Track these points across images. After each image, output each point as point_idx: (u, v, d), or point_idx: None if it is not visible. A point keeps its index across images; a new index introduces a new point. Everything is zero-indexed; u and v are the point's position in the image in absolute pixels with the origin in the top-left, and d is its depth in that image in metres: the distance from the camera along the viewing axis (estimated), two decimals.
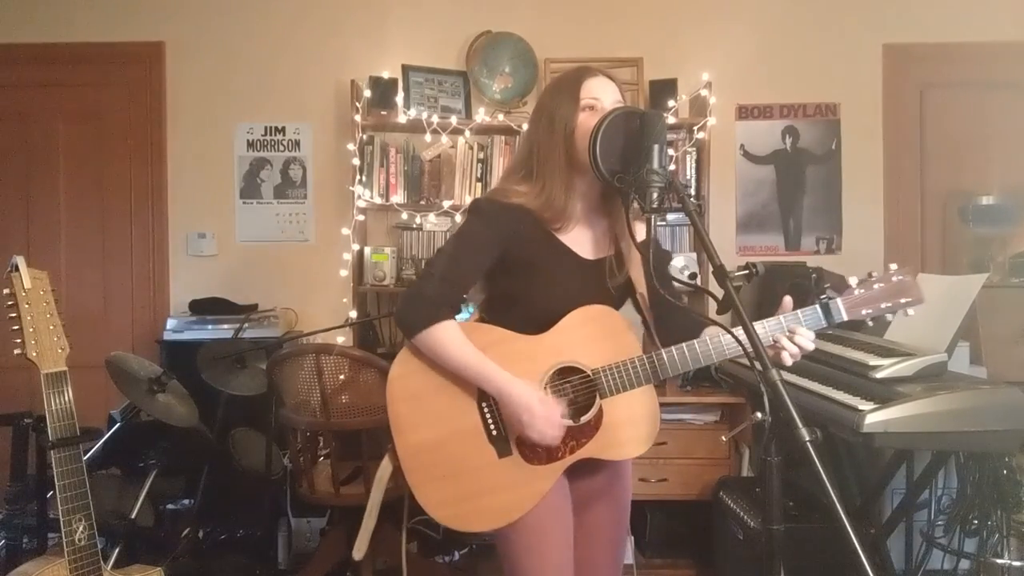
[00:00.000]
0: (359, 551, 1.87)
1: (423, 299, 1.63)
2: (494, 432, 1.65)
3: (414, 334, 1.62)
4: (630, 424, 1.70)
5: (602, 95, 1.67)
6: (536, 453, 1.65)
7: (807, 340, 1.59)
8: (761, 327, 1.60)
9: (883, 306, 1.64)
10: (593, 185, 1.68)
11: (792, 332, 1.59)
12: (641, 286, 1.73)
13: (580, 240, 1.71)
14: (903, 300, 1.65)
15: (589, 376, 1.66)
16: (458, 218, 3.60)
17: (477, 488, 1.65)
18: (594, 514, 1.81)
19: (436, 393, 1.66)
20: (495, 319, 1.70)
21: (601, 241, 1.74)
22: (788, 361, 1.61)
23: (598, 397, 1.66)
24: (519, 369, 1.63)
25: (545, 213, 1.65)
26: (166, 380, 2.81)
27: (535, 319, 1.66)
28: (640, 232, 1.70)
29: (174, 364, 3.21)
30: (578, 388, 1.68)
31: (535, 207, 1.65)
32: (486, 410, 1.66)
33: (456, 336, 1.62)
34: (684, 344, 1.64)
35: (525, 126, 1.87)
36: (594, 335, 1.67)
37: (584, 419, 1.65)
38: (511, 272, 1.67)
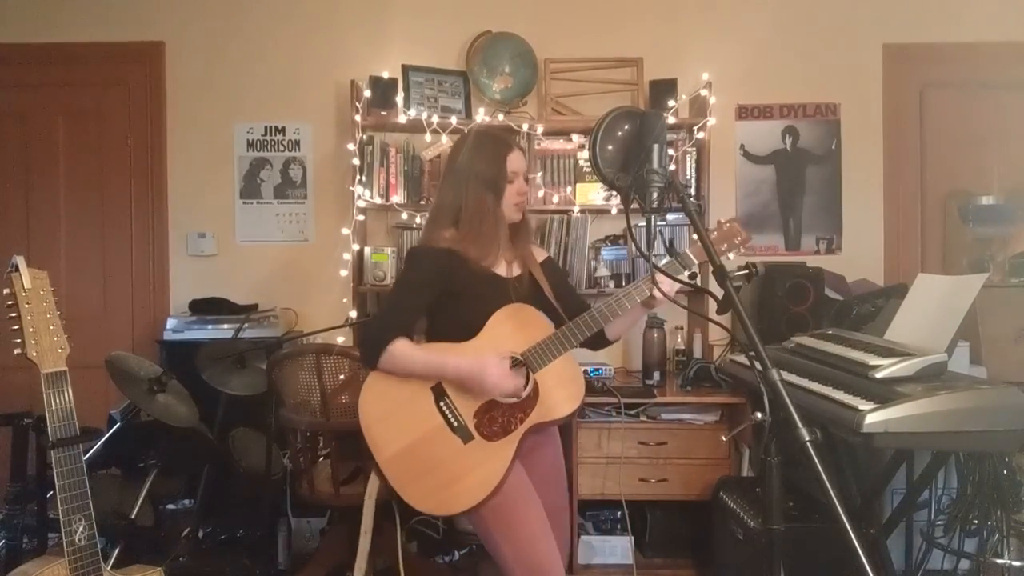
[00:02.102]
0: (360, 571, 2.08)
1: (375, 333, 1.95)
2: (455, 424, 1.95)
3: (376, 361, 1.93)
4: (560, 387, 2.03)
5: (520, 168, 2.08)
6: (494, 431, 1.96)
7: (668, 285, 1.92)
8: (633, 285, 2.03)
9: (723, 247, 2.03)
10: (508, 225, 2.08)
11: (658, 281, 1.91)
12: (551, 296, 2.12)
13: (500, 263, 2.08)
14: (736, 240, 2.05)
15: (520, 359, 1.99)
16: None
17: (453, 473, 1.93)
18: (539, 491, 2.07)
19: (399, 409, 1.96)
20: (435, 335, 2.03)
21: (516, 262, 2.12)
22: (657, 301, 2.02)
23: (530, 373, 1.99)
24: None
25: (473, 254, 1.99)
26: (166, 380, 2.81)
27: (466, 328, 1.99)
28: (539, 255, 2.20)
29: (174, 364, 3.21)
30: (515, 371, 1.98)
31: (462, 250, 1.99)
32: (444, 408, 1.96)
33: (410, 347, 1.94)
34: (584, 314, 2.02)
35: (453, 163, 2.15)
36: (515, 327, 2.01)
37: (524, 393, 1.98)
38: (447, 300, 2.00)
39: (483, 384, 1.93)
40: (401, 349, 1.92)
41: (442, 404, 1.96)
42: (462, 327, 2.00)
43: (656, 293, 1.96)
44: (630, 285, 2.05)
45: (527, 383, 2.00)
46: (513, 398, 1.98)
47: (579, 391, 2.05)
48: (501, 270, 2.08)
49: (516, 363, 1.99)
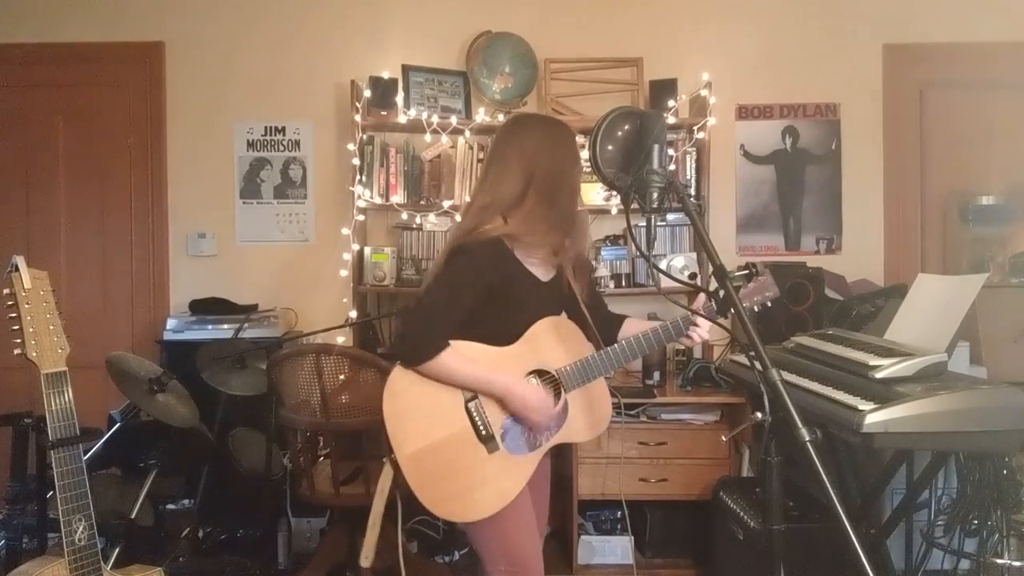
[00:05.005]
0: (367, 559, 2.03)
1: (423, 335, 1.86)
2: (483, 432, 1.89)
3: (422, 364, 1.85)
4: (586, 413, 2.01)
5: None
6: (519, 445, 1.92)
7: (704, 330, 1.96)
8: (673, 321, 1.97)
9: (756, 299, 1.98)
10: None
11: (696, 324, 1.95)
12: (584, 306, 2.06)
13: (537, 265, 1.99)
14: (768, 294, 1.98)
15: (554, 376, 1.95)
16: (458, 217, 3.59)
17: (473, 482, 1.88)
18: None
19: (426, 407, 1.89)
20: (463, 332, 1.90)
21: (548, 263, 2.01)
22: (694, 341, 1.99)
23: (563, 392, 1.96)
24: None
25: (527, 242, 1.92)
26: (166, 380, 2.81)
27: (503, 332, 1.93)
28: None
29: (174, 364, 3.22)
30: (546, 386, 1.96)
31: (511, 240, 1.91)
32: (474, 414, 1.89)
33: (459, 360, 1.87)
34: (624, 340, 1.98)
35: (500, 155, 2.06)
36: (555, 340, 1.98)
37: (555, 410, 1.94)
38: (486, 299, 1.91)
39: (528, 416, 1.89)
40: (448, 362, 1.84)
41: (471, 408, 1.89)
42: (499, 331, 1.93)
43: (695, 337, 1.96)
44: (668, 323, 1.98)
45: (559, 401, 1.96)
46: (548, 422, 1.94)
47: (603, 420, 2.04)
48: (540, 273, 2.00)
49: (550, 379, 1.96)
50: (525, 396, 1.88)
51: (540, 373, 1.97)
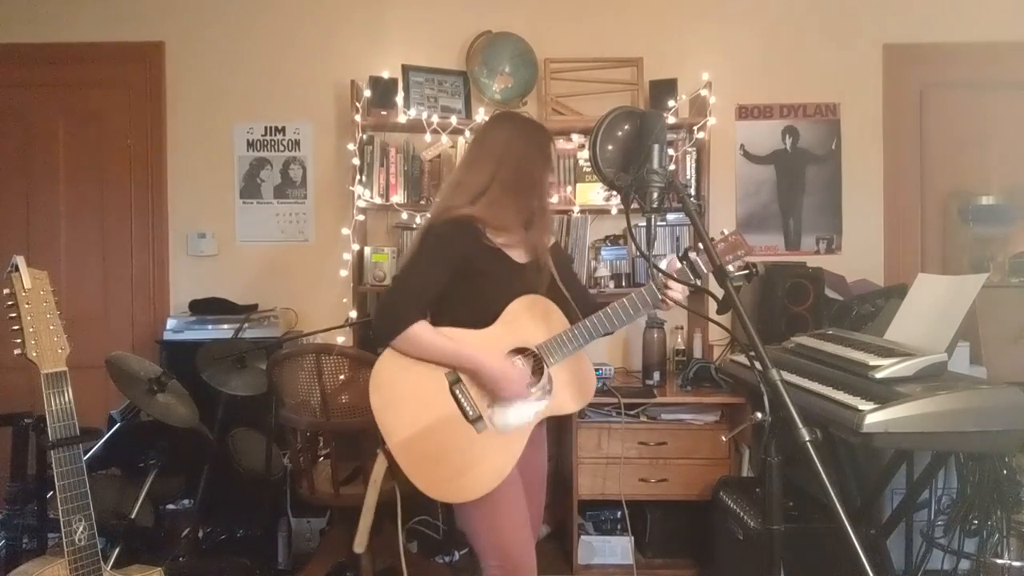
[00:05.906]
0: (360, 545, 2.03)
1: (396, 308, 1.91)
2: (470, 413, 1.93)
3: (393, 337, 1.88)
4: (570, 384, 2.05)
5: (554, 159, 2.14)
6: (507, 422, 1.95)
7: (678, 292, 1.98)
8: (647, 287, 2.00)
9: (728, 258, 1.98)
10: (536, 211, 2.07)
11: (667, 285, 1.96)
12: (563, 286, 2.12)
13: (514, 247, 2.05)
14: (740, 252, 2.00)
15: (535, 352, 1.99)
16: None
17: (466, 462, 1.91)
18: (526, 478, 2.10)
19: (411, 394, 1.92)
20: (443, 317, 1.97)
21: (527, 247, 2.08)
22: (669, 306, 2.01)
23: (546, 367, 2.00)
24: None
25: (495, 224, 1.98)
26: (166, 380, 2.81)
27: (481, 314, 1.97)
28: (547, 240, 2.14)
29: (174, 364, 3.22)
30: (529, 363, 2.00)
31: (480, 220, 1.96)
32: (459, 395, 1.93)
33: (429, 331, 1.91)
34: (600, 312, 2.00)
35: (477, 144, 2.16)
36: (532, 318, 2.01)
37: (538, 387, 1.99)
38: (462, 279, 1.96)
39: (498, 389, 1.93)
40: (420, 333, 1.88)
41: (456, 391, 1.93)
42: (478, 312, 1.97)
43: (669, 302, 1.98)
44: (643, 289, 2.01)
45: (543, 377, 1.99)
46: (519, 399, 1.96)
47: (587, 390, 2.08)
48: (516, 255, 2.05)
49: (532, 356, 1.99)
50: (494, 369, 1.91)
51: (521, 351, 1.99)
